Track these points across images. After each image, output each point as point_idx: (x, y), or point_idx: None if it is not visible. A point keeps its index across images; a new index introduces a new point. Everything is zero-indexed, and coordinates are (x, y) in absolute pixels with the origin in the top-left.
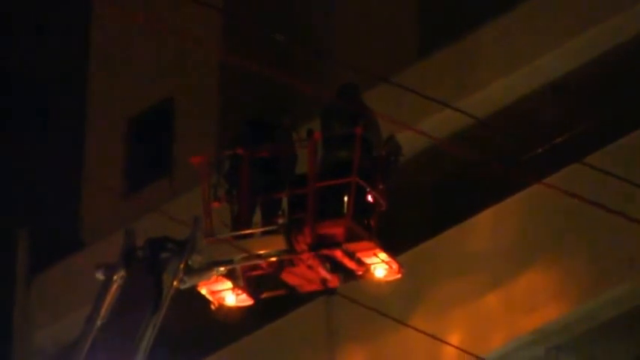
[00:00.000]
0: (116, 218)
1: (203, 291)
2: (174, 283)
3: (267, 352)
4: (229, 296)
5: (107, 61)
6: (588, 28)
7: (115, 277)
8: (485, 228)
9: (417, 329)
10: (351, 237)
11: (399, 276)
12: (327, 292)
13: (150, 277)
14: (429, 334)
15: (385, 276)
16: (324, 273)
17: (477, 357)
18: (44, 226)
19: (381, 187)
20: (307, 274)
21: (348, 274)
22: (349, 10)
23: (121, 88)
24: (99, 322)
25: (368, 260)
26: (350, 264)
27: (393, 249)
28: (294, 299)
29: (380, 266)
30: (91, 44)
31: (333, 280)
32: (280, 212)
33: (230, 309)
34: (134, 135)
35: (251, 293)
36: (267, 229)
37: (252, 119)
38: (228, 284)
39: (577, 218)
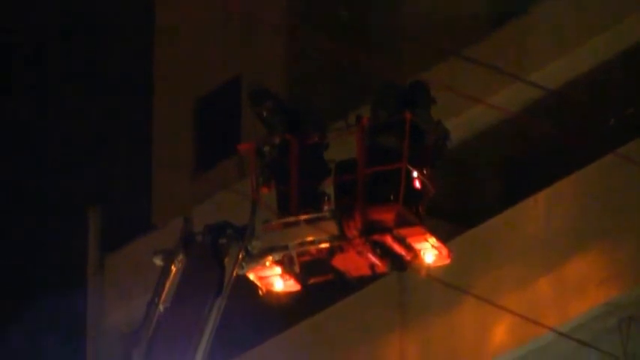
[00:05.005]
0: (186, 198)
1: (251, 276)
2: (236, 268)
3: (341, 327)
4: (277, 282)
5: (174, 41)
6: None
7: (174, 262)
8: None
9: (498, 305)
10: (402, 222)
11: (448, 261)
12: (399, 268)
13: (211, 261)
14: (513, 312)
15: (434, 261)
16: (373, 258)
17: (548, 327)
18: (116, 206)
19: (428, 172)
20: (356, 259)
21: (396, 260)
22: None
23: (188, 68)
24: (162, 307)
25: (418, 245)
26: (399, 249)
27: (464, 223)
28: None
29: (429, 251)
30: (158, 24)
31: (382, 266)
32: (326, 198)
33: (278, 294)
34: (203, 114)
35: (299, 279)
36: (317, 215)
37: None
38: (277, 270)
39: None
